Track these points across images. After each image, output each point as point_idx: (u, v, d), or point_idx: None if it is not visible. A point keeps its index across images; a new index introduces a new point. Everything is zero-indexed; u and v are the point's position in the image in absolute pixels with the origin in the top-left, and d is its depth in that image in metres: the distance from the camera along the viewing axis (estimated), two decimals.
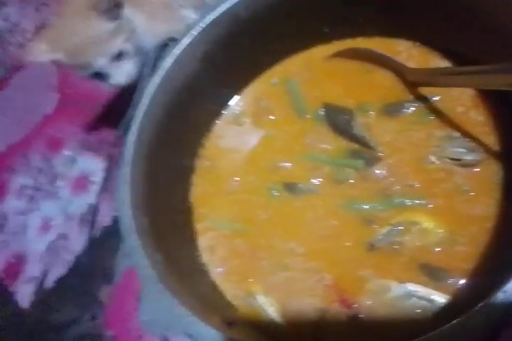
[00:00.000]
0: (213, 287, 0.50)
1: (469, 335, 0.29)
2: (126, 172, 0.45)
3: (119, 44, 0.59)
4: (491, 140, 0.45)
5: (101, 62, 0.57)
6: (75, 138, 0.93)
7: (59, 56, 0.57)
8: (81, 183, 0.86)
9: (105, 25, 0.59)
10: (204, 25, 0.49)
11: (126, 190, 0.44)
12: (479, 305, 0.29)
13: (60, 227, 0.84)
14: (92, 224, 0.80)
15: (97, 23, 0.59)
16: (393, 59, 0.51)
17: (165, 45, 0.50)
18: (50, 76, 1.10)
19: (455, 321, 0.29)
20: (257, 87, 0.60)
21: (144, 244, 0.41)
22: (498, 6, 0.41)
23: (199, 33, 0.49)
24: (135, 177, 0.46)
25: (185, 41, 0.49)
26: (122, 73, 0.60)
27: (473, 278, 0.41)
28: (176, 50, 0.49)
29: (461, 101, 0.48)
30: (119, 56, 0.60)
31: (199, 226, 0.54)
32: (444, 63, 0.51)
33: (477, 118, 0.47)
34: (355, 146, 0.50)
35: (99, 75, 0.61)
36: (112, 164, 0.81)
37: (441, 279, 0.41)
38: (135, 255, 0.40)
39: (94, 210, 0.81)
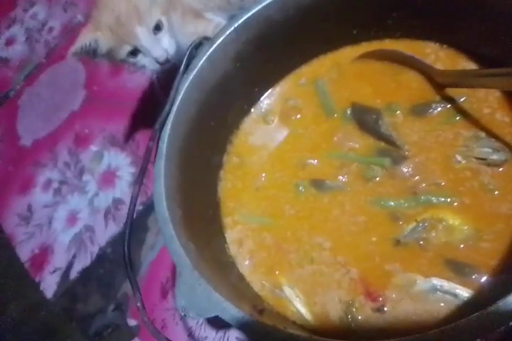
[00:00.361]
0: (241, 278, 0.51)
1: (487, 330, 0.30)
2: (161, 166, 0.47)
3: (157, 15, 0.61)
4: None
5: (141, 33, 0.59)
6: (102, 134, 0.96)
7: (103, 32, 0.59)
8: (107, 178, 0.88)
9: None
10: (236, 25, 0.51)
11: (161, 182, 0.46)
12: (500, 301, 0.30)
13: (86, 220, 0.87)
14: (118, 217, 0.82)
15: None
16: (421, 60, 0.52)
17: (199, 44, 0.52)
18: (78, 73, 1.14)
19: (473, 315, 0.30)
20: (285, 87, 0.62)
21: (179, 234, 0.43)
22: None
23: (231, 33, 0.51)
24: (169, 171, 0.48)
25: (218, 41, 0.51)
26: (160, 48, 0.62)
27: (497, 274, 0.42)
28: (209, 49, 0.51)
29: (488, 102, 0.49)
30: (157, 28, 0.62)
31: (227, 219, 0.56)
32: (470, 65, 0.52)
33: (503, 120, 0.48)
34: (382, 145, 0.52)
35: (138, 52, 0.63)
36: (139, 159, 0.83)
37: (466, 274, 0.42)
38: (171, 244, 0.42)
39: (119, 204, 0.83)
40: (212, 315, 0.37)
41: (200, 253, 0.45)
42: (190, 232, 0.46)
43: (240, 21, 0.52)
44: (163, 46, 0.63)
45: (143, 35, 0.61)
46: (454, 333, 0.30)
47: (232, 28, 0.52)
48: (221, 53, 0.53)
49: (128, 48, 0.63)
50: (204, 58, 0.52)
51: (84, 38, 0.61)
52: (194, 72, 0.52)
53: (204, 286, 0.39)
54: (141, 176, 0.47)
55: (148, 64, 0.65)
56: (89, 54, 0.63)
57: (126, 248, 0.45)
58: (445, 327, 0.31)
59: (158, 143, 0.49)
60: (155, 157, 0.48)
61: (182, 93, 0.51)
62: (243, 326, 0.36)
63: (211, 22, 0.71)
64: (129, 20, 0.60)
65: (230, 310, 0.37)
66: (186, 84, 0.51)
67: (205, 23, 0.71)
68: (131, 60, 0.65)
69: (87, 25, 0.63)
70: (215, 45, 0.52)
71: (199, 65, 0.52)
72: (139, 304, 0.41)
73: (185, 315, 0.38)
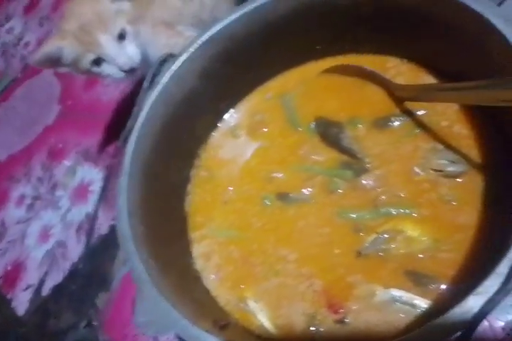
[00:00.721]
0: (206, 293, 0.51)
1: (441, 338, 0.30)
2: (124, 181, 0.47)
3: (122, 23, 0.62)
4: (474, 153, 0.47)
5: (105, 41, 0.60)
6: (75, 149, 0.95)
7: (67, 40, 0.59)
8: (80, 193, 0.88)
9: (109, 6, 0.62)
10: (201, 42, 0.52)
11: (124, 198, 0.46)
12: (446, 312, 0.31)
13: (59, 235, 0.86)
14: (90, 232, 0.82)
15: (101, 4, 0.61)
16: (381, 75, 0.54)
17: (164, 61, 0.52)
18: (53, 87, 1.14)
19: (426, 325, 0.31)
20: (252, 101, 0.63)
21: (140, 250, 0.43)
22: (479, 27, 0.44)
23: (196, 50, 0.52)
24: (133, 186, 0.48)
25: (183, 57, 0.52)
26: (124, 55, 0.62)
27: (455, 284, 0.42)
28: (174, 66, 0.52)
29: (446, 115, 0.50)
30: (121, 36, 0.62)
31: (195, 234, 0.56)
32: (430, 79, 0.54)
33: (461, 132, 0.49)
34: (345, 158, 0.53)
35: (102, 61, 0.63)
36: (111, 174, 0.83)
37: (425, 285, 0.43)
38: (131, 261, 0.42)
39: (92, 219, 0.83)
40: (171, 332, 0.38)
41: (162, 269, 0.45)
42: (152, 248, 0.46)
43: (205, 38, 0.53)
44: (128, 54, 0.63)
45: (106, 43, 0.61)
46: None
47: (197, 45, 0.53)
48: (187, 69, 0.54)
49: (91, 57, 0.63)
50: (169, 75, 0.52)
51: (48, 46, 0.61)
52: (159, 87, 0.52)
53: (163, 303, 0.39)
54: (103, 193, 0.47)
55: (113, 72, 0.65)
56: (53, 63, 0.62)
57: None
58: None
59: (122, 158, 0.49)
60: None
61: (147, 108, 0.51)
62: None
63: (183, 34, 0.72)
64: (92, 28, 0.60)
65: (188, 328, 0.37)
66: (152, 99, 0.52)
67: (177, 35, 0.71)
68: (95, 69, 0.65)
69: (53, 34, 0.63)
70: (180, 61, 0.53)
71: (164, 81, 0.52)
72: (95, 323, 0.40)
73: (144, 333, 0.38)
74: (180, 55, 0.52)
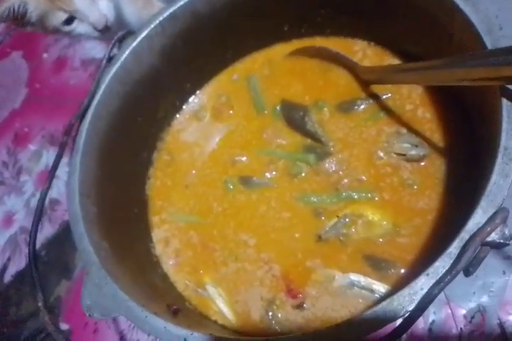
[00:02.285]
0: (164, 278, 0.50)
1: (375, 327, 0.30)
2: (76, 161, 0.45)
3: None
4: (436, 136, 0.47)
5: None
6: (42, 133, 0.92)
7: None
8: (45, 177, 0.85)
9: None
10: (162, 19, 0.50)
11: (76, 178, 0.44)
12: (385, 300, 0.30)
13: (22, 221, 0.84)
14: (53, 218, 0.79)
15: None
16: (347, 57, 0.52)
17: (123, 37, 0.50)
18: (21, 71, 1.10)
19: (374, 308, 0.30)
20: (217, 83, 0.61)
21: (90, 232, 0.41)
22: (443, 8, 0.43)
23: (156, 26, 0.50)
24: (86, 166, 0.46)
25: (143, 33, 0.50)
26: (98, 12, 0.58)
27: (414, 269, 0.42)
28: (134, 42, 0.50)
29: (411, 99, 0.50)
30: None
31: (155, 218, 0.55)
32: (395, 62, 0.53)
33: (424, 116, 0.48)
34: (309, 142, 0.52)
35: (74, 19, 0.59)
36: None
37: (383, 269, 0.42)
38: (80, 241, 0.40)
39: (56, 204, 0.81)
40: (117, 314, 0.36)
41: (117, 252, 0.44)
42: (105, 231, 0.44)
43: (166, 14, 0.51)
44: (101, 11, 0.60)
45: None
46: (348, 329, 0.30)
47: (158, 21, 0.51)
48: (146, 46, 0.52)
49: (63, 16, 0.59)
50: (128, 51, 0.50)
51: (11, 1, 0.56)
52: (117, 64, 0.50)
53: (110, 285, 0.37)
54: (52, 172, 0.45)
55: (85, 31, 0.61)
56: (17, 20, 0.58)
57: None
58: (341, 322, 0.30)
59: (75, 137, 0.47)
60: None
61: (103, 86, 0.49)
62: (145, 326, 0.34)
63: (154, 5, 0.68)
64: None
65: (134, 310, 0.35)
66: (109, 77, 0.50)
67: (150, 4, 0.68)
68: (66, 28, 0.61)
69: None
70: (139, 38, 0.51)
71: (122, 57, 0.50)
72: (40, 304, 0.39)
73: (89, 315, 0.36)
74: (139, 31, 0.50)
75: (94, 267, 0.39)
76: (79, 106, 0.89)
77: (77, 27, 0.61)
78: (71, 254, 0.74)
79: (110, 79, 0.49)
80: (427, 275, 0.30)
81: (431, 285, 0.29)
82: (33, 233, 0.43)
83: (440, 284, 0.29)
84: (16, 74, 1.10)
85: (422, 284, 0.30)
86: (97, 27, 0.60)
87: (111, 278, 0.38)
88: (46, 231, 0.79)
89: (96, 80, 0.49)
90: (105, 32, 0.62)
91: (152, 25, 0.50)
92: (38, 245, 0.78)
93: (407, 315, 0.29)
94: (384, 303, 0.30)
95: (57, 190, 0.82)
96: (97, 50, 0.98)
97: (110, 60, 0.50)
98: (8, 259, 0.82)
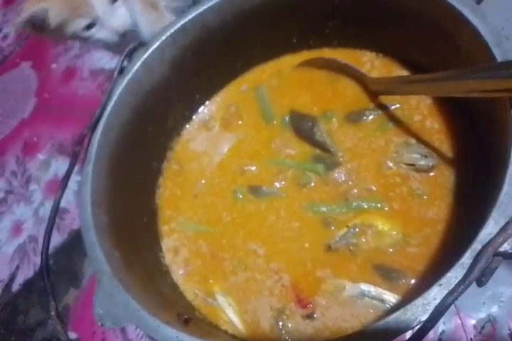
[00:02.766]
0: (174, 287, 0.50)
1: (399, 331, 0.30)
2: (88, 170, 0.46)
3: None
4: (445, 147, 0.47)
5: (97, 2, 0.57)
6: (50, 142, 0.93)
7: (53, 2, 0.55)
8: (54, 187, 0.86)
9: None
10: (173, 30, 0.51)
11: (88, 188, 0.45)
12: (413, 300, 0.30)
13: (31, 230, 0.84)
14: (62, 227, 0.80)
15: None
16: (355, 68, 0.53)
17: (134, 49, 0.51)
18: (30, 80, 1.12)
19: (386, 318, 0.30)
20: (227, 93, 0.62)
21: (102, 241, 0.42)
22: (452, 19, 0.43)
23: (167, 38, 0.51)
24: (98, 176, 0.46)
25: (154, 45, 0.51)
26: (119, 17, 0.60)
27: (424, 279, 0.42)
28: (145, 54, 0.51)
29: (419, 109, 0.50)
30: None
31: (164, 227, 0.55)
32: (404, 73, 0.53)
33: (433, 126, 0.49)
34: (317, 152, 0.52)
35: (93, 25, 0.60)
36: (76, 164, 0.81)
37: (394, 279, 0.42)
38: (92, 250, 0.41)
39: (64, 213, 0.81)
40: (129, 323, 0.36)
41: (128, 261, 0.44)
42: (116, 240, 0.45)
43: (177, 26, 0.52)
44: (120, 16, 0.61)
45: (99, 4, 0.58)
46: (360, 339, 0.30)
47: (169, 33, 0.52)
48: (157, 58, 0.52)
49: (83, 22, 0.60)
50: (139, 63, 0.51)
51: (32, 7, 0.57)
52: (129, 75, 0.51)
53: (122, 294, 0.37)
54: (65, 181, 0.45)
55: (105, 37, 0.62)
56: (36, 26, 0.58)
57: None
58: (352, 333, 0.30)
59: (87, 147, 0.48)
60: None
61: (115, 97, 0.50)
62: (157, 335, 0.35)
63: (165, 16, 0.69)
64: None
65: (146, 319, 0.36)
66: (120, 88, 0.50)
67: (161, 16, 0.69)
68: (85, 33, 0.62)
69: None
70: (150, 50, 0.52)
71: (134, 69, 0.51)
72: (52, 313, 0.39)
73: (102, 324, 0.37)
74: (150, 43, 0.51)
75: (106, 276, 0.39)
76: (88, 115, 0.90)
77: (96, 33, 0.62)
78: (79, 263, 0.75)
79: (122, 91, 0.49)
80: (440, 285, 0.30)
81: (444, 295, 0.29)
82: (46, 242, 0.43)
83: (453, 294, 0.29)
84: (25, 84, 1.11)
85: (435, 294, 0.30)
86: (117, 32, 0.62)
87: (122, 287, 0.38)
88: (54, 240, 0.79)
89: (108, 92, 0.50)
90: (122, 37, 0.63)
91: (163, 37, 0.51)
92: None
93: (419, 325, 0.29)
94: (397, 313, 0.30)
95: (66, 198, 0.82)
96: (105, 60, 0.99)
97: (122, 71, 0.51)
98: (17, 268, 0.82)
